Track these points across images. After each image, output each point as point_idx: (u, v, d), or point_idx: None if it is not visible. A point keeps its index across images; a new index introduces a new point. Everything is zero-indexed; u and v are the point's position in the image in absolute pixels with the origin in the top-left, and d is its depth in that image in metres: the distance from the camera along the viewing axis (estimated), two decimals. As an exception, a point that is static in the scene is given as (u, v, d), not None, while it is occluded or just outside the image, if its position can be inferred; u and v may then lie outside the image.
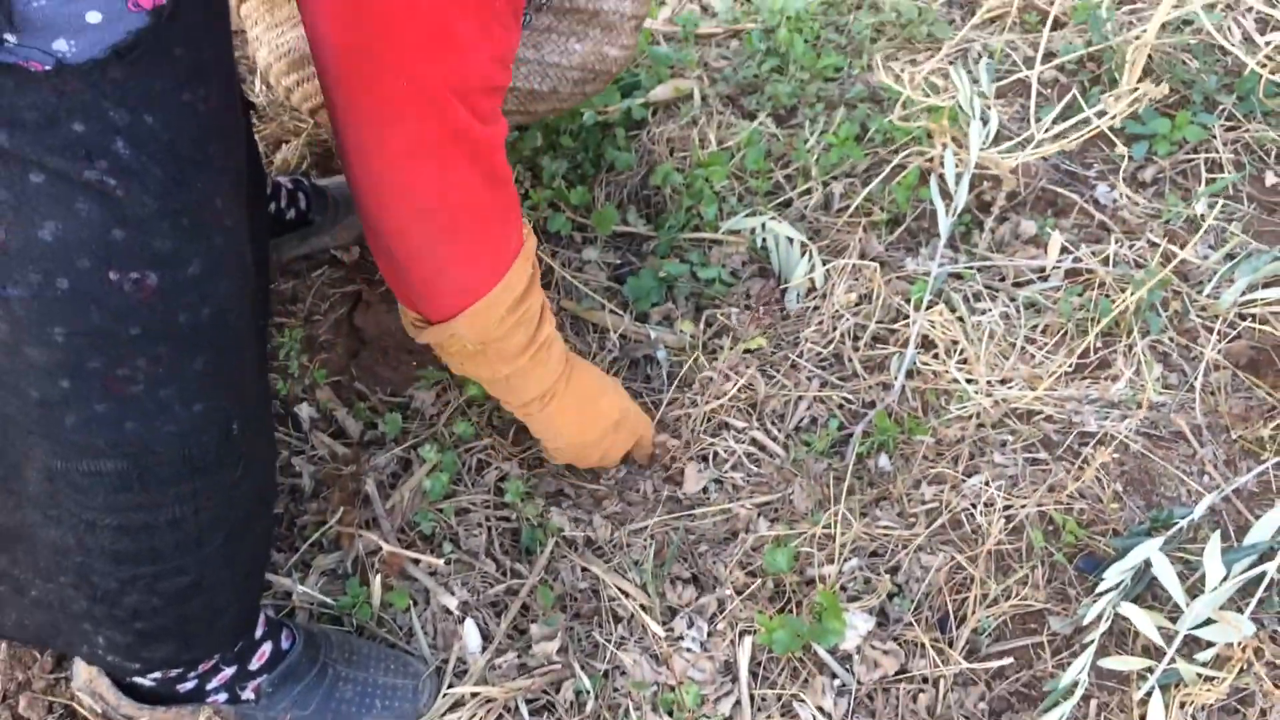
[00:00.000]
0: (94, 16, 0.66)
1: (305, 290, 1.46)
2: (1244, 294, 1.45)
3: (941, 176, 1.54)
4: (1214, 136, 1.66)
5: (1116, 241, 1.53)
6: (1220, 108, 1.70)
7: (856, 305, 1.47)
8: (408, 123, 0.88)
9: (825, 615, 1.13)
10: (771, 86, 1.74)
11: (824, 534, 1.26)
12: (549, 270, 1.51)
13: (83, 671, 1.07)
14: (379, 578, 1.18)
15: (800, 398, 1.39)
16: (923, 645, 1.17)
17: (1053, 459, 1.32)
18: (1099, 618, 1.15)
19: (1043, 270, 1.50)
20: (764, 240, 1.52)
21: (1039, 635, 1.19)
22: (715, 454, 1.35)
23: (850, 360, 1.43)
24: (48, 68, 0.66)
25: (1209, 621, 1.11)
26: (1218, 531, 1.13)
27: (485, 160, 0.96)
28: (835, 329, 1.45)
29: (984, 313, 1.46)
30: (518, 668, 1.16)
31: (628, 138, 1.66)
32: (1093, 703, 1.14)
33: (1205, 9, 1.82)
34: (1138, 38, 1.69)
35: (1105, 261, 1.50)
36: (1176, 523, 1.21)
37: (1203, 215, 1.56)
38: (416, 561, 1.22)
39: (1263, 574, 1.14)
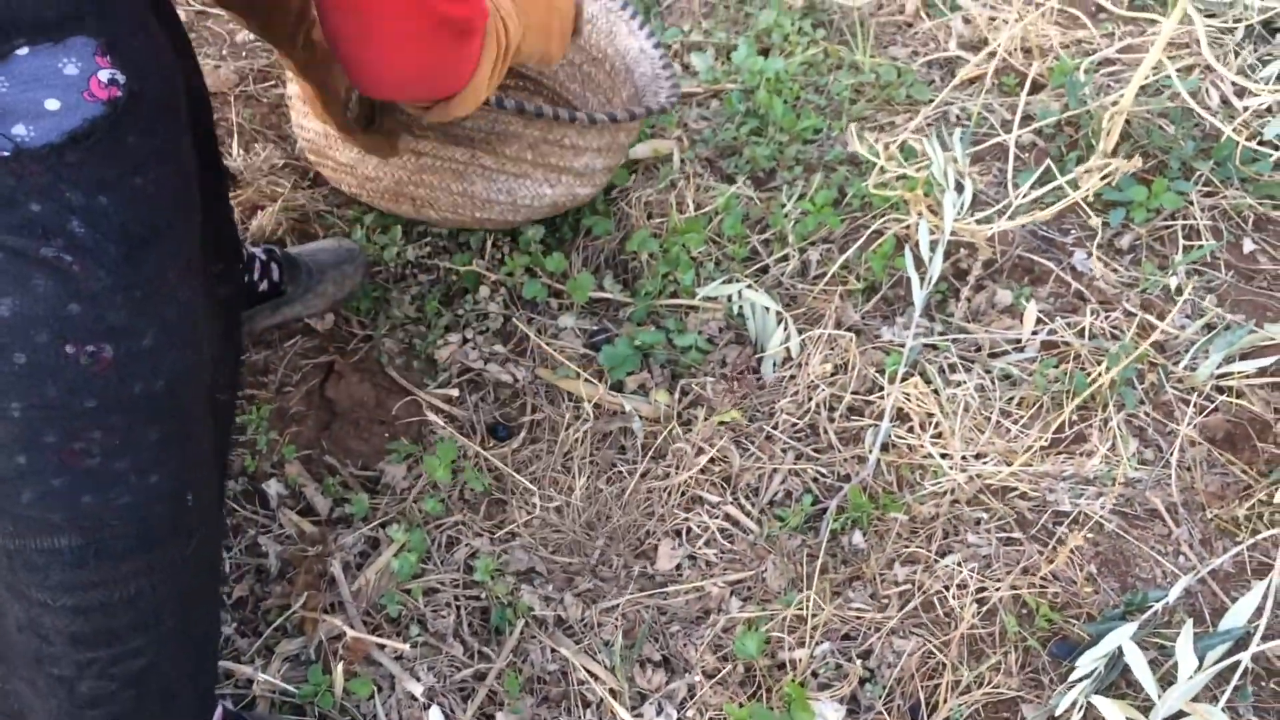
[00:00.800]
0: (53, 104, 0.68)
1: (277, 361, 1.45)
2: (1220, 366, 1.44)
3: (917, 244, 1.54)
4: (1191, 203, 1.66)
5: (1093, 312, 1.52)
6: (1197, 174, 1.70)
7: (832, 375, 1.46)
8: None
9: (793, 707, 1.11)
10: (750, 149, 1.74)
11: (796, 616, 1.24)
12: (523, 338, 1.50)
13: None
14: (341, 665, 1.17)
15: (775, 470, 1.38)
16: (894, 733, 1.16)
17: (1027, 538, 1.30)
18: (1073, 706, 1.14)
19: (1019, 341, 1.50)
20: (740, 307, 1.51)
21: (1012, 723, 1.18)
22: (689, 529, 1.34)
23: (825, 432, 1.42)
24: (6, 153, 0.67)
25: (1182, 714, 1.09)
26: (1190, 620, 1.11)
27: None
28: (810, 400, 1.44)
29: (959, 385, 1.45)
30: (484, 756, 1.14)
31: (605, 201, 1.66)
32: (1066, 794, 1.13)
33: (1181, 74, 1.82)
34: (1114, 103, 1.69)
35: (1081, 334, 1.50)
36: (1150, 606, 1.19)
37: (1179, 286, 1.56)
38: (382, 647, 1.20)
39: (1237, 662, 1.12)
